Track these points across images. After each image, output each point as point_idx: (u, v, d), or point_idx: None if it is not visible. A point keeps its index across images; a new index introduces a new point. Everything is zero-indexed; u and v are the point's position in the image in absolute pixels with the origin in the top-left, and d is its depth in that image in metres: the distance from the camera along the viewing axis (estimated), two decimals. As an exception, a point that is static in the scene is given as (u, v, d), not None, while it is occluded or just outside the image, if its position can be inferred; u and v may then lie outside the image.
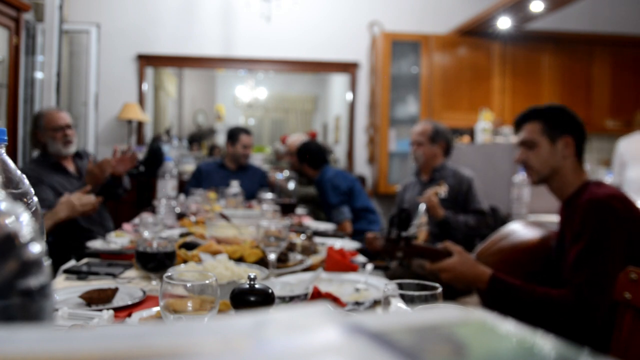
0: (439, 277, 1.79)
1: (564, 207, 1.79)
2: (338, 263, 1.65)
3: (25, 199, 0.69)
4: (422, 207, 2.67)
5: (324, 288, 1.34)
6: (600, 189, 1.67)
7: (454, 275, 1.74)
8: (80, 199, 2.36)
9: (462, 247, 1.81)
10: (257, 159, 6.00)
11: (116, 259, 1.81)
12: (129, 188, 3.09)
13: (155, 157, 4.69)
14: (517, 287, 1.64)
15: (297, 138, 4.38)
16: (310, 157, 3.86)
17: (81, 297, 1.27)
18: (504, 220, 3.46)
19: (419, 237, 2.41)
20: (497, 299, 1.68)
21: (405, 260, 1.88)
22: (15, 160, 1.67)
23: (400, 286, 0.86)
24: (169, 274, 0.93)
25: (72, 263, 1.75)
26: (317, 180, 3.83)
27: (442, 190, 2.68)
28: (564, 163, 1.76)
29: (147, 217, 2.04)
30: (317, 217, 3.61)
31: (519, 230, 1.90)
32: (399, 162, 5.31)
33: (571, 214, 1.69)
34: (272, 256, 1.52)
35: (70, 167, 2.89)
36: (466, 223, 2.79)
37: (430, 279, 0.97)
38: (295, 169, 4.24)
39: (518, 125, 1.87)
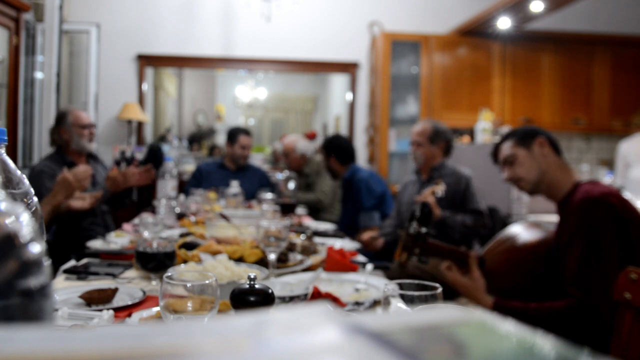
0: (443, 277, 1.79)
1: (559, 208, 1.80)
2: (338, 263, 1.65)
3: (25, 199, 0.69)
4: (418, 229, 2.65)
5: (324, 288, 1.34)
6: (595, 187, 1.67)
7: (457, 290, 1.76)
8: (76, 174, 2.34)
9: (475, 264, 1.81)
10: (257, 159, 6.00)
11: (116, 259, 1.81)
12: (135, 200, 3.12)
13: (155, 157, 4.69)
14: (521, 309, 1.64)
15: (292, 140, 4.36)
16: (339, 152, 3.70)
17: (81, 297, 1.27)
18: (504, 220, 3.45)
19: None
20: None
21: (423, 258, 1.87)
22: (15, 160, 1.67)
23: (400, 286, 0.85)
24: (169, 274, 0.93)
25: (72, 263, 1.75)
26: (347, 177, 3.69)
27: (440, 189, 2.68)
28: (546, 162, 1.82)
29: (147, 217, 2.04)
30: (314, 218, 3.59)
31: (521, 232, 1.90)
32: (399, 162, 5.31)
33: (567, 214, 1.70)
34: (272, 256, 1.52)
35: None
36: (463, 223, 2.78)
37: (429, 279, 0.97)
38: (292, 169, 4.23)
39: (495, 156, 1.98)
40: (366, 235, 3.08)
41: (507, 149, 1.89)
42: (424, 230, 1.84)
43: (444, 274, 1.80)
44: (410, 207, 2.99)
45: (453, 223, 2.74)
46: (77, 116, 2.87)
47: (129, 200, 3.05)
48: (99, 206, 2.77)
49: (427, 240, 1.86)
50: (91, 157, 3.02)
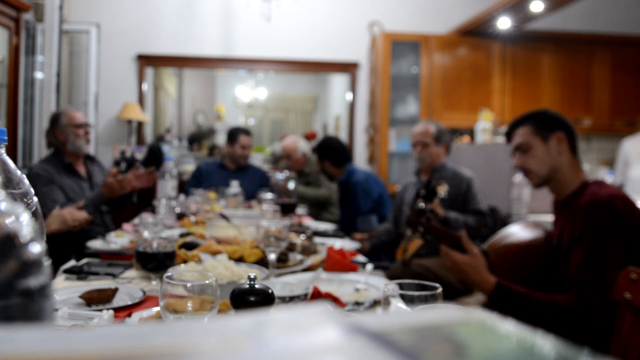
0: (444, 258, 1.77)
1: (561, 206, 1.79)
2: (338, 263, 1.65)
3: (25, 199, 0.69)
4: (422, 205, 2.65)
5: (324, 288, 1.34)
6: (601, 189, 1.66)
7: (457, 271, 1.72)
8: (72, 214, 2.37)
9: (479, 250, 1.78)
10: (257, 159, 6.00)
11: (116, 259, 1.81)
12: (135, 201, 3.12)
13: (155, 157, 4.69)
14: (522, 294, 1.62)
15: (292, 141, 4.36)
16: (333, 154, 3.64)
17: (81, 297, 1.27)
18: (504, 220, 3.45)
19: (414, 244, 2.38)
20: (502, 306, 1.66)
21: (427, 235, 1.85)
22: (15, 160, 1.67)
23: (400, 286, 0.85)
24: (169, 274, 0.93)
25: (72, 263, 1.75)
26: (343, 180, 3.63)
27: (442, 190, 2.67)
28: (560, 160, 1.77)
29: (147, 217, 2.04)
30: (316, 217, 3.58)
31: (519, 231, 1.90)
32: (399, 162, 5.31)
33: (571, 213, 1.69)
34: (272, 256, 1.52)
35: (82, 169, 2.92)
36: (466, 223, 2.77)
37: (430, 279, 0.97)
38: (296, 169, 4.23)
39: (509, 135, 1.90)
40: (357, 236, 3.07)
41: (523, 134, 1.81)
42: (428, 207, 1.82)
43: (443, 256, 1.77)
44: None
45: (456, 223, 2.73)
46: (72, 116, 2.86)
47: (129, 202, 3.05)
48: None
49: (430, 218, 1.84)
50: (89, 159, 3.02)
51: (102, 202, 2.69)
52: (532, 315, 1.60)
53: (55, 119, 2.88)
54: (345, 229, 3.39)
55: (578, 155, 1.81)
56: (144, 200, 4.44)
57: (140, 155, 4.94)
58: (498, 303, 1.65)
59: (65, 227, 2.36)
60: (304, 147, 4.32)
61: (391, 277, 2.09)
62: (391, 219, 3.21)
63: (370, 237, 3.12)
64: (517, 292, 1.63)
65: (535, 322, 1.59)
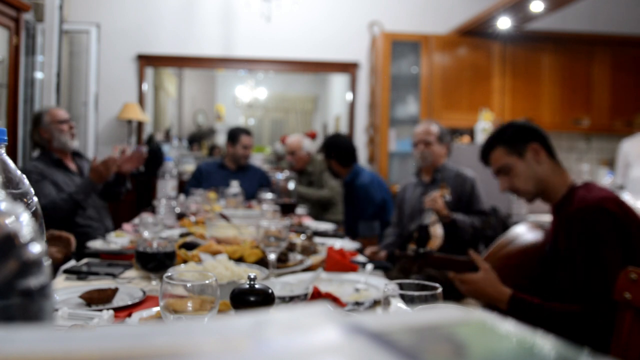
0: (458, 288, 1.75)
1: (554, 211, 1.78)
2: (338, 263, 1.65)
3: (25, 199, 0.69)
4: (415, 249, 2.64)
5: (324, 288, 1.34)
6: (590, 192, 1.64)
7: (474, 290, 1.71)
8: (60, 235, 2.21)
9: (484, 262, 1.77)
10: (257, 159, 6.00)
11: (116, 259, 1.81)
12: (130, 187, 3.11)
13: (155, 157, 4.69)
14: (537, 305, 1.61)
15: (296, 138, 4.36)
16: (340, 152, 3.58)
17: (81, 297, 1.27)
18: (504, 220, 3.45)
19: (433, 243, 2.35)
20: (518, 318, 1.64)
21: (421, 275, 1.85)
22: (15, 160, 1.67)
23: (400, 286, 0.85)
24: (169, 274, 0.93)
25: (72, 263, 1.75)
26: (348, 181, 3.59)
27: (446, 193, 2.66)
28: (543, 170, 1.76)
29: (147, 217, 2.04)
30: (317, 218, 3.57)
31: (524, 233, 1.89)
32: (399, 162, 5.31)
33: (563, 219, 1.67)
34: (272, 256, 1.52)
35: (72, 165, 2.93)
36: (472, 224, 2.76)
37: (443, 278, 0.97)
38: (298, 167, 4.22)
39: (485, 160, 1.90)
40: (368, 251, 3.03)
41: (499, 157, 1.81)
42: (421, 250, 1.83)
43: (455, 282, 1.76)
44: (413, 209, 2.98)
45: (463, 225, 2.72)
46: (54, 113, 2.87)
47: (125, 188, 3.03)
48: (93, 200, 2.78)
49: (430, 257, 1.84)
50: (76, 155, 3.03)
51: (91, 188, 2.66)
52: (547, 324, 1.58)
53: (37, 119, 2.89)
54: (348, 230, 3.37)
55: (557, 157, 1.80)
56: (144, 200, 4.44)
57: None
58: (514, 314, 1.63)
59: (60, 248, 2.23)
60: (309, 145, 4.31)
61: (405, 276, 2.06)
62: (394, 222, 3.19)
63: (386, 246, 3.08)
64: (532, 303, 1.61)
65: (551, 332, 1.58)
